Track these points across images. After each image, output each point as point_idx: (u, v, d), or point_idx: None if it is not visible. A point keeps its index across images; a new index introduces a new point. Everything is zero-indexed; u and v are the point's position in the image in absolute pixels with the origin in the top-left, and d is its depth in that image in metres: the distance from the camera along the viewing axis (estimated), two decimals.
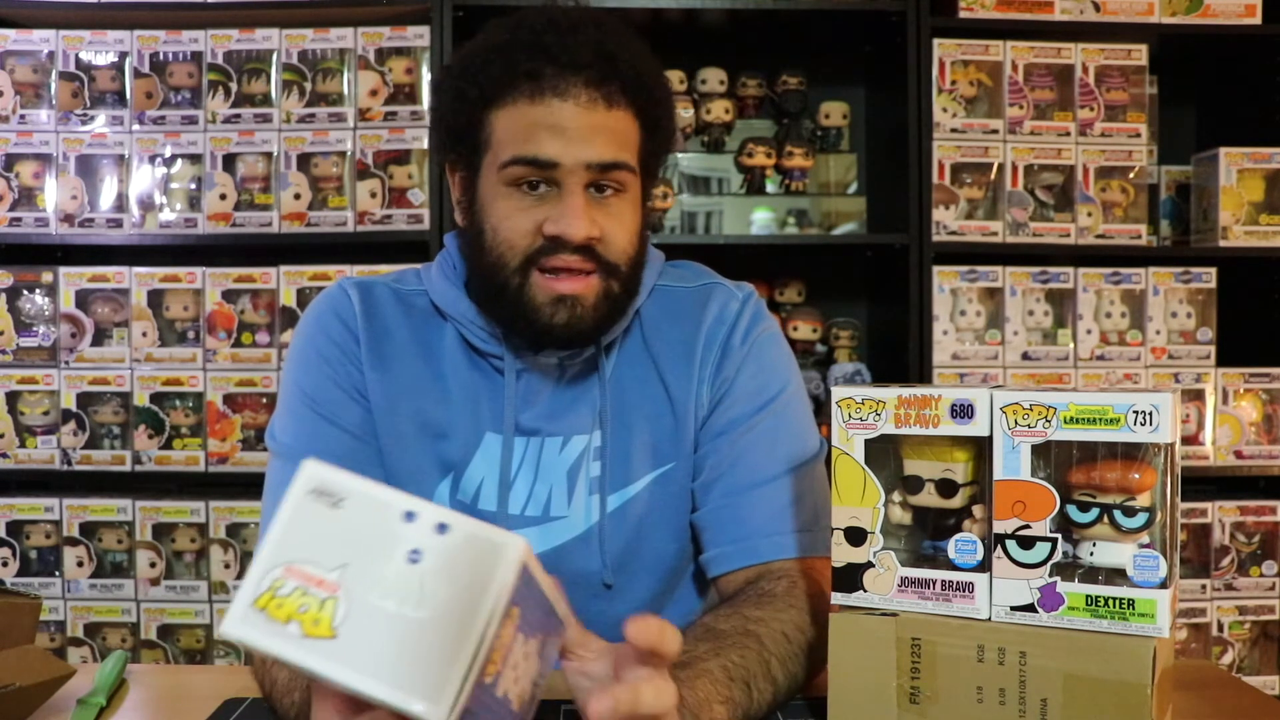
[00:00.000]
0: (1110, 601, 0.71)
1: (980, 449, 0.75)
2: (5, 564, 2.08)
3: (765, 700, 0.83)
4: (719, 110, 2.32)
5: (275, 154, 2.09)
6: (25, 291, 2.10)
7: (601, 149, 0.94)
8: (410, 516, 0.51)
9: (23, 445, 2.09)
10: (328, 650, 0.48)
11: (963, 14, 2.12)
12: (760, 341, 1.06)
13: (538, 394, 1.03)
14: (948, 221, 2.12)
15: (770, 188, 2.35)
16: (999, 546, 0.74)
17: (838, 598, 0.80)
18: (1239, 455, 2.17)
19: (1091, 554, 0.72)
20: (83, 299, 2.09)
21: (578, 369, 1.04)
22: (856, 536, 0.78)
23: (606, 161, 0.94)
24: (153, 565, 2.08)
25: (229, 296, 2.09)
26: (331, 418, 1.01)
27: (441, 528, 0.51)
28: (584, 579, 1.02)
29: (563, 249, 0.94)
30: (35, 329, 2.10)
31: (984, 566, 0.75)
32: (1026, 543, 0.73)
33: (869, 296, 2.44)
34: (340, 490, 0.52)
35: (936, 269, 2.12)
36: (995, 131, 2.13)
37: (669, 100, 1.03)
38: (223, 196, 2.09)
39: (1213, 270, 2.17)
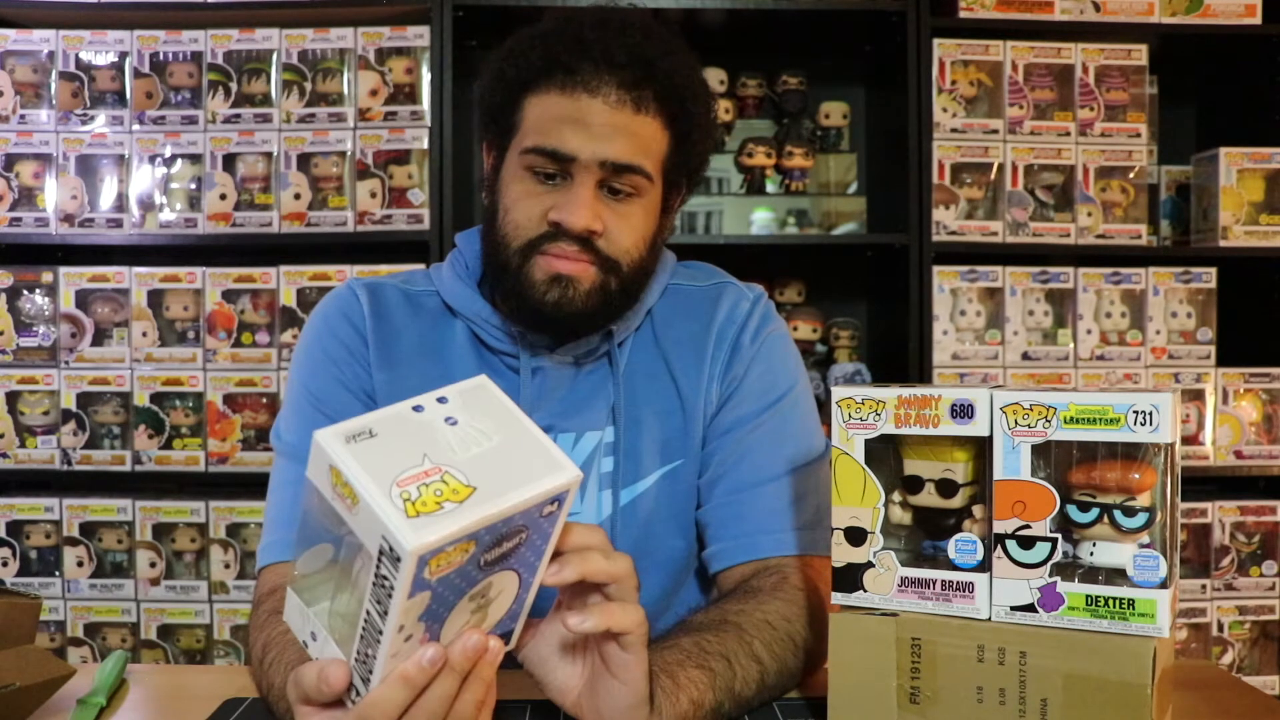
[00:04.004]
0: (1110, 601, 0.71)
1: (980, 449, 0.75)
2: (5, 564, 2.08)
3: (753, 678, 0.83)
4: (719, 110, 2.31)
5: (275, 154, 2.09)
6: (25, 291, 2.10)
7: (620, 149, 0.94)
8: (419, 408, 0.63)
9: (23, 445, 2.09)
10: (482, 498, 0.58)
11: (963, 14, 2.12)
12: (769, 341, 1.07)
13: (552, 392, 1.04)
14: (948, 221, 2.12)
15: (770, 188, 2.35)
16: (999, 546, 0.74)
17: (838, 598, 0.79)
18: (1239, 455, 2.17)
19: (1091, 554, 0.72)
20: (83, 299, 2.09)
21: (591, 366, 1.05)
22: (856, 536, 0.78)
23: (622, 162, 0.95)
24: (153, 565, 2.08)
25: (229, 296, 2.09)
26: (337, 418, 1.01)
27: (441, 400, 0.64)
28: None
29: (563, 236, 0.95)
30: (35, 329, 2.10)
31: (984, 566, 0.75)
32: (1026, 543, 0.73)
33: (869, 296, 2.44)
34: (361, 426, 0.61)
35: (936, 269, 2.12)
36: (995, 131, 2.13)
37: (705, 116, 1.02)
38: (223, 196, 2.09)
39: (1213, 270, 2.17)
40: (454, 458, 0.60)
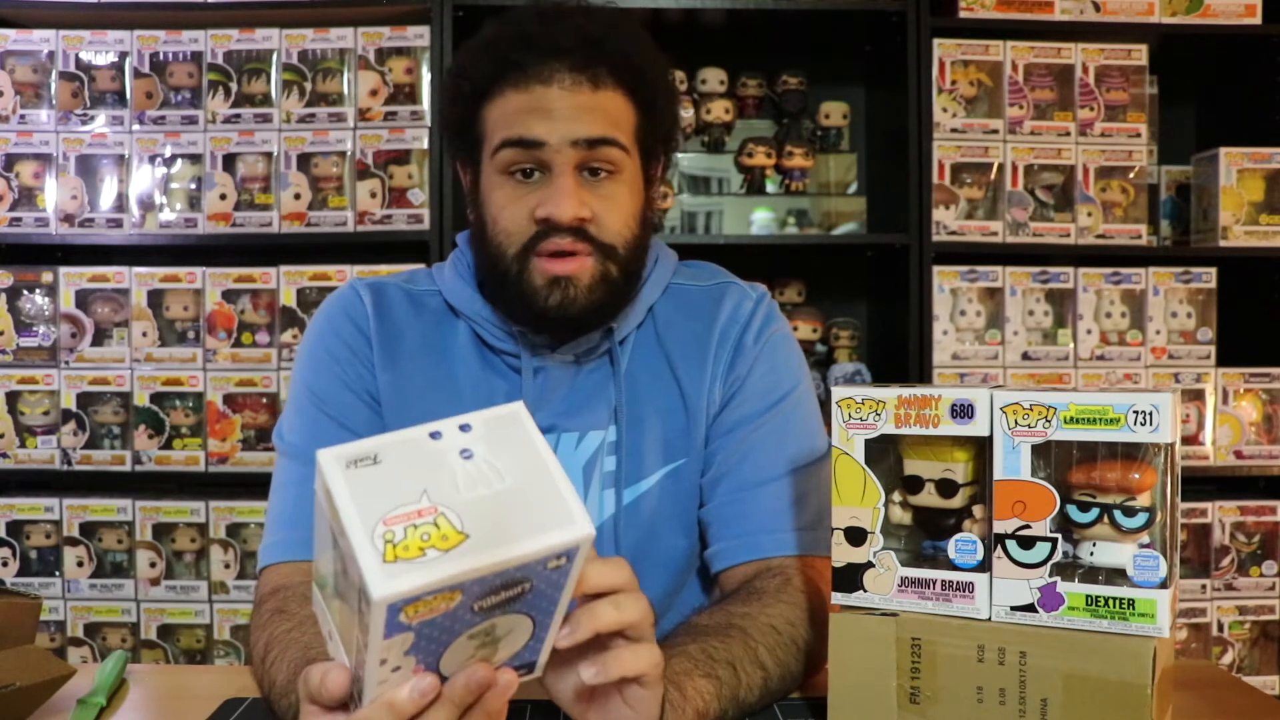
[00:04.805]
0: (1110, 601, 0.71)
1: (980, 449, 0.75)
2: (5, 564, 2.08)
3: (756, 684, 0.83)
4: (719, 110, 2.32)
5: (275, 154, 2.09)
6: (25, 291, 2.10)
7: (588, 126, 0.94)
8: (436, 435, 0.58)
9: (23, 445, 2.09)
10: (472, 548, 0.54)
11: (963, 14, 2.12)
12: (772, 341, 1.07)
13: (554, 391, 1.04)
14: (948, 221, 2.12)
15: (770, 188, 2.35)
16: (999, 546, 0.74)
17: (838, 598, 0.80)
18: (1239, 455, 2.17)
19: (1091, 554, 0.72)
20: (83, 299, 2.09)
21: (593, 365, 1.05)
22: (856, 536, 0.78)
23: (594, 137, 0.94)
24: (153, 565, 2.08)
25: (229, 296, 2.09)
26: (340, 419, 1.01)
27: (464, 428, 0.58)
28: None
29: (555, 231, 0.95)
30: (35, 329, 2.10)
31: (984, 566, 0.75)
32: (1026, 543, 0.73)
33: (869, 296, 2.44)
34: (366, 450, 0.56)
35: (936, 269, 2.12)
36: (995, 131, 2.13)
37: (664, 81, 1.03)
38: (223, 196, 2.09)
39: (1213, 270, 2.17)
40: (455, 497, 0.55)
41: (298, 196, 2.09)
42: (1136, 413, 0.69)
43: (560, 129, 0.94)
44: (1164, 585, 0.70)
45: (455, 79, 1.00)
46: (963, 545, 0.76)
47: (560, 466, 0.59)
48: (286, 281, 2.09)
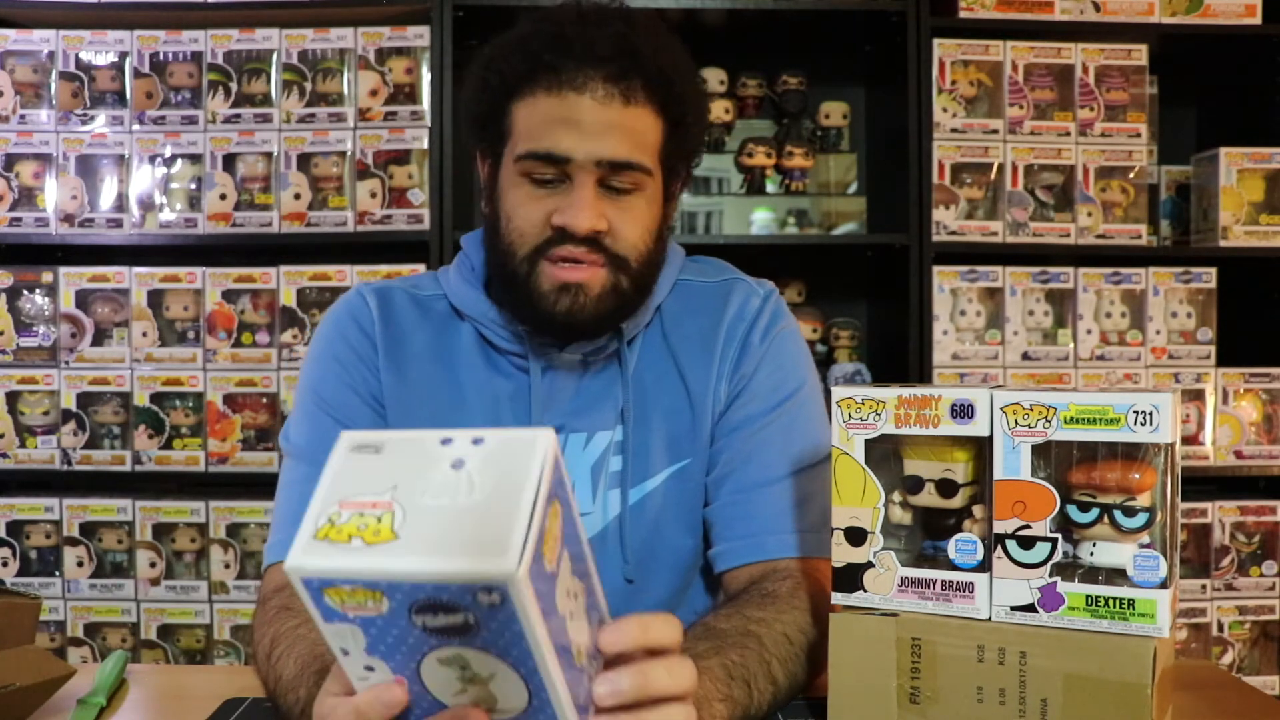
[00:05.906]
0: (1110, 601, 0.71)
1: (980, 449, 0.75)
2: (5, 564, 2.08)
3: (765, 701, 0.83)
4: (719, 110, 2.32)
5: (275, 154, 2.09)
6: (25, 291, 2.10)
7: (615, 147, 0.94)
8: (447, 441, 0.55)
9: (23, 445, 2.09)
10: (391, 550, 0.51)
11: (963, 14, 2.12)
12: (779, 339, 1.07)
13: (561, 392, 1.04)
14: (948, 221, 2.12)
15: (770, 188, 2.35)
16: (999, 546, 0.74)
17: (838, 598, 0.80)
18: (1239, 455, 2.17)
19: (1091, 554, 0.72)
20: (83, 299, 2.09)
21: (600, 366, 1.04)
22: (856, 536, 0.78)
23: (619, 160, 0.94)
24: (153, 565, 2.08)
25: (229, 296, 2.09)
26: (345, 421, 1.02)
27: (477, 441, 0.55)
28: (605, 575, 1.02)
29: (569, 240, 0.95)
30: (35, 329, 2.10)
31: (984, 566, 0.75)
32: (1026, 543, 0.73)
33: (869, 296, 2.44)
34: (376, 440, 0.56)
35: (936, 269, 2.12)
36: (995, 131, 2.13)
37: (698, 99, 1.02)
38: (223, 196, 2.09)
39: (1213, 270, 2.17)
40: (416, 500, 0.53)
41: (298, 196, 2.09)
42: (1136, 413, 0.69)
43: (587, 145, 0.93)
44: (1164, 585, 0.70)
45: (485, 70, 0.99)
46: (963, 545, 0.76)
47: (536, 502, 0.52)
48: (286, 281, 2.09)
